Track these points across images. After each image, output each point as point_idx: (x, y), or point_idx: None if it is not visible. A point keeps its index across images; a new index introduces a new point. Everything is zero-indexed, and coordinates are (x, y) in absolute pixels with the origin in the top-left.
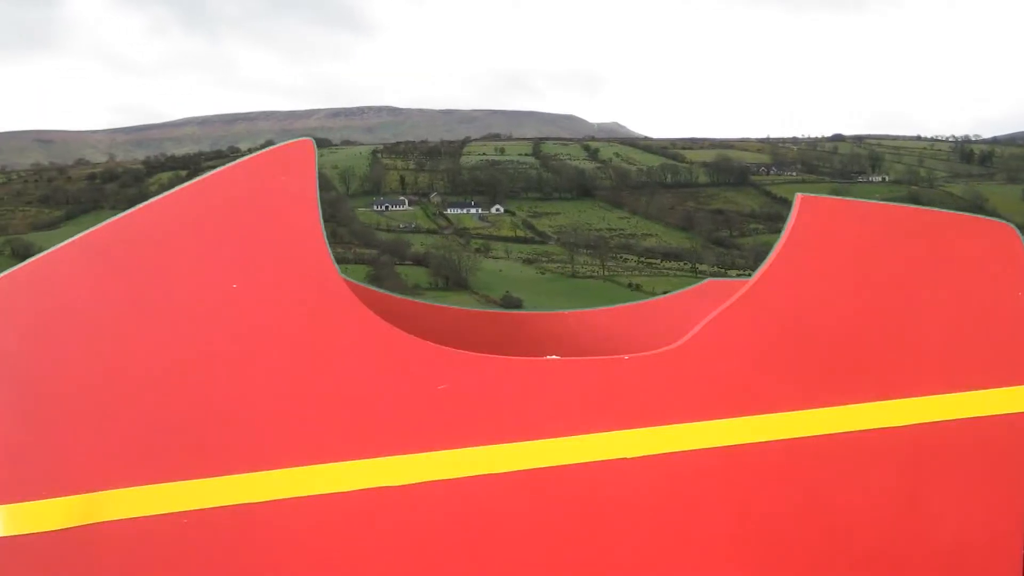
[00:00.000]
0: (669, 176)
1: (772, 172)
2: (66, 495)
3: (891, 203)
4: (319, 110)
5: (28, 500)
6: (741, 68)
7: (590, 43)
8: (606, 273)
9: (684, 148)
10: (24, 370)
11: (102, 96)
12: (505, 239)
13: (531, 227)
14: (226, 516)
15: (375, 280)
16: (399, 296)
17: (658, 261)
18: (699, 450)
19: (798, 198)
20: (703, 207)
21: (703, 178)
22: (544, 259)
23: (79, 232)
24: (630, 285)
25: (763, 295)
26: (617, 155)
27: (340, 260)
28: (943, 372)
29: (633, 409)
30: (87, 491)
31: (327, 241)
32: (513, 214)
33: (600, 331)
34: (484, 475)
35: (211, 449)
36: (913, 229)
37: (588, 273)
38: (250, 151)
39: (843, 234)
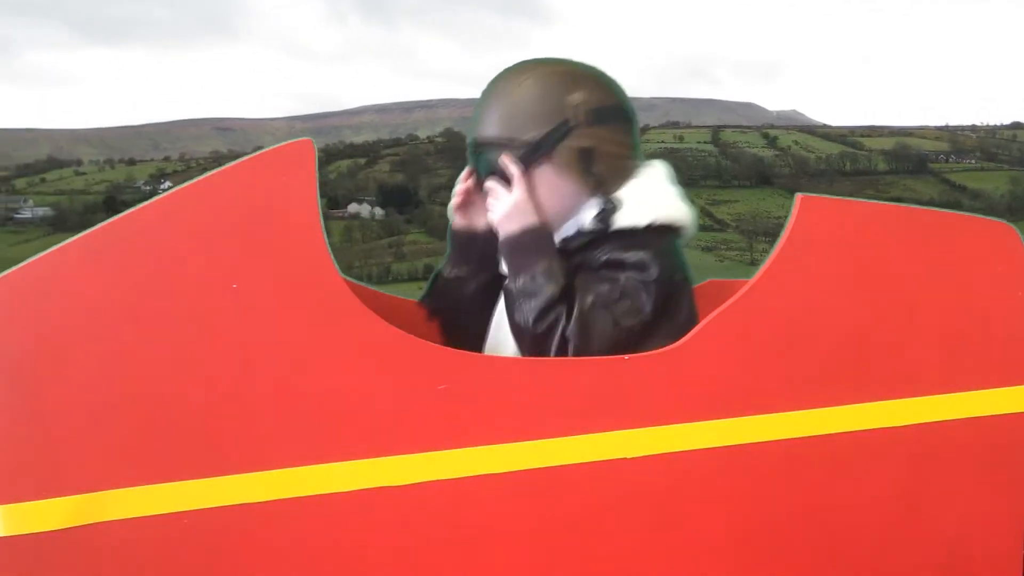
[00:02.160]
0: (848, 164)
1: (951, 160)
2: (66, 495)
3: (892, 203)
4: None
5: (28, 500)
6: (920, 55)
7: (770, 31)
8: None
9: (862, 136)
10: (24, 370)
11: (281, 84)
12: None
13: (710, 215)
14: (226, 516)
15: None
16: (399, 296)
17: None
18: (699, 450)
19: (798, 198)
20: (882, 195)
21: (882, 166)
22: (723, 247)
23: None
24: None
25: (763, 295)
26: (796, 143)
27: None
28: (943, 372)
29: (633, 409)
30: (87, 491)
31: (327, 241)
32: (692, 201)
33: None
34: (484, 475)
35: (211, 449)
36: (913, 229)
37: None
38: (428, 140)
39: (843, 234)
